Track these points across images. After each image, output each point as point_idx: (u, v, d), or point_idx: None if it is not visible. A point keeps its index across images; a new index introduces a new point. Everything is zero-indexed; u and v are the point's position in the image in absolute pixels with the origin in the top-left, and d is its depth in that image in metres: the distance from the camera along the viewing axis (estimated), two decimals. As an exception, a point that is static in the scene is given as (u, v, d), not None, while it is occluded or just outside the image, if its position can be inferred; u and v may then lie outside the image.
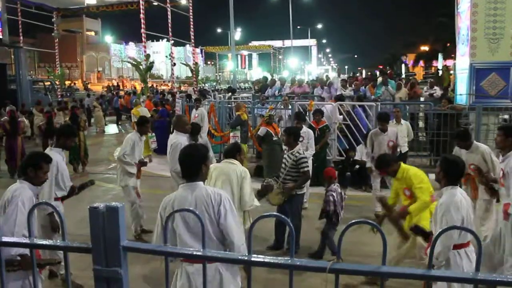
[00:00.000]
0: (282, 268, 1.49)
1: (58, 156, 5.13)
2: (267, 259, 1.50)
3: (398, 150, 8.37)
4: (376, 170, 7.65)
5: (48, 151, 5.18)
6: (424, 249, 4.31)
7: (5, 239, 1.71)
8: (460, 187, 3.96)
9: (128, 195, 6.96)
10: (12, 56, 24.34)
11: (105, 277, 1.61)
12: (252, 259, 1.50)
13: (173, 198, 3.22)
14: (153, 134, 12.53)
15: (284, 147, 7.05)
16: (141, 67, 21.19)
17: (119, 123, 24.14)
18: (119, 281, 1.61)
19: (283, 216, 1.57)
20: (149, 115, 13.75)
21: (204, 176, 3.36)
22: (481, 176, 5.63)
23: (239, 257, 1.56)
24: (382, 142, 7.92)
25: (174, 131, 6.88)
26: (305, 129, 8.34)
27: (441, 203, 3.74)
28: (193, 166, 3.25)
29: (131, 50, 67.86)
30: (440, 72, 25.24)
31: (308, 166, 6.09)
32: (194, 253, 1.56)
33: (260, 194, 5.84)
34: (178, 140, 6.48)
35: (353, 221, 1.46)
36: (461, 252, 3.77)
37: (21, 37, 29.24)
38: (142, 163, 7.11)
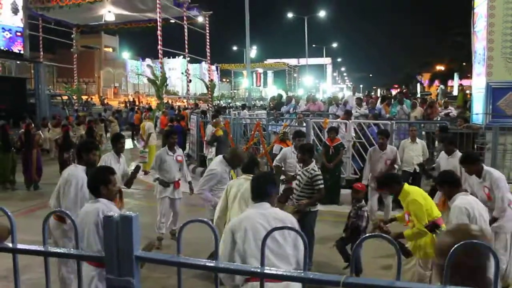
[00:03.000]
0: (295, 281, 1.47)
1: (83, 175, 4.86)
2: (280, 271, 1.49)
3: (396, 168, 8.30)
4: (375, 187, 7.72)
5: (73, 168, 5.05)
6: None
7: (32, 247, 1.73)
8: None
9: None
10: (32, 71, 24.80)
11: (117, 287, 1.61)
12: (265, 271, 1.49)
13: (244, 217, 3.39)
14: (145, 150, 12.74)
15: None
16: (157, 82, 21.41)
17: (134, 138, 24.42)
18: (131, 291, 1.60)
19: (296, 229, 1.56)
20: (152, 131, 14.06)
21: (272, 200, 3.56)
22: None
23: (252, 269, 1.55)
24: (379, 160, 7.95)
25: (223, 157, 6.17)
26: None
27: (453, 206, 4.14)
28: (265, 188, 3.52)
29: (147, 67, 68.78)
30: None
31: (323, 184, 6.05)
32: (207, 264, 1.55)
33: (281, 201, 5.75)
34: (217, 170, 5.88)
35: (367, 234, 1.44)
36: None
37: (41, 53, 29.80)
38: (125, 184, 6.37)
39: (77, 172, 4.95)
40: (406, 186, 5.03)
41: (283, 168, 7.61)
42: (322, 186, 5.97)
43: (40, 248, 1.72)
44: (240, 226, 3.26)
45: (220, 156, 6.28)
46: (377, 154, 8.09)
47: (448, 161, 6.91)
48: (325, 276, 1.47)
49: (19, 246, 1.72)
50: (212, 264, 1.55)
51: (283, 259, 3.16)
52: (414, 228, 4.71)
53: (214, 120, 12.11)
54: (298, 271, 1.44)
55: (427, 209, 4.76)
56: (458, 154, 6.78)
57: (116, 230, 1.60)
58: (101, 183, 3.82)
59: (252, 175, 4.85)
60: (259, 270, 1.50)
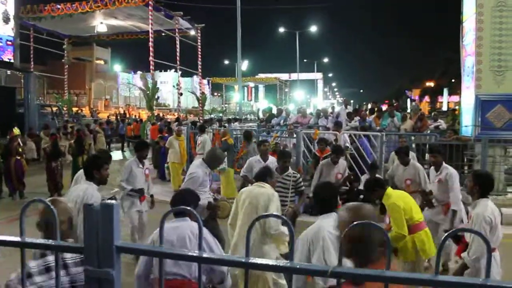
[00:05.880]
0: (281, 272, 1.42)
1: (98, 195, 4.44)
2: (265, 261, 1.43)
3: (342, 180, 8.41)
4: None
5: (86, 185, 4.48)
6: (456, 252, 4.68)
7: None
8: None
9: None
10: (22, 81, 24.67)
11: (97, 278, 1.55)
12: (251, 261, 1.43)
13: (317, 229, 3.49)
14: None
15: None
16: (148, 93, 21.39)
17: (124, 149, 24.32)
18: (111, 282, 1.53)
19: (284, 217, 1.51)
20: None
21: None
22: (424, 194, 6.54)
23: (237, 259, 1.50)
24: (331, 174, 8.01)
25: (202, 160, 6.14)
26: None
27: (476, 213, 4.14)
28: (332, 199, 3.76)
29: (139, 79, 68.59)
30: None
31: None
32: (189, 253, 1.50)
33: None
34: (197, 172, 5.78)
35: (357, 222, 1.40)
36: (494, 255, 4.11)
37: (32, 63, 29.67)
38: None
39: (93, 192, 4.38)
40: (389, 189, 5.12)
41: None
42: (304, 187, 6.54)
43: (17, 239, 1.65)
44: (312, 238, 3.36)
45: (200, 159, 6.32)
46: (329, 168, 8.09)
47: (405, 172, 7.06)
48: (312, 266, 1.42)
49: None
50: (195, 254, 1.49)
51: None
52: (392, 231, 4.76)
53: (223, 130, 12.36)
54: (285, 261, 1.39)
55: (406, 213, 4.82)
56: (415, 163, 7.20)
57: (97, 219, 1.54)
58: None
59: (264, 183, 4.88)
60: (243, 260, 1.44)
